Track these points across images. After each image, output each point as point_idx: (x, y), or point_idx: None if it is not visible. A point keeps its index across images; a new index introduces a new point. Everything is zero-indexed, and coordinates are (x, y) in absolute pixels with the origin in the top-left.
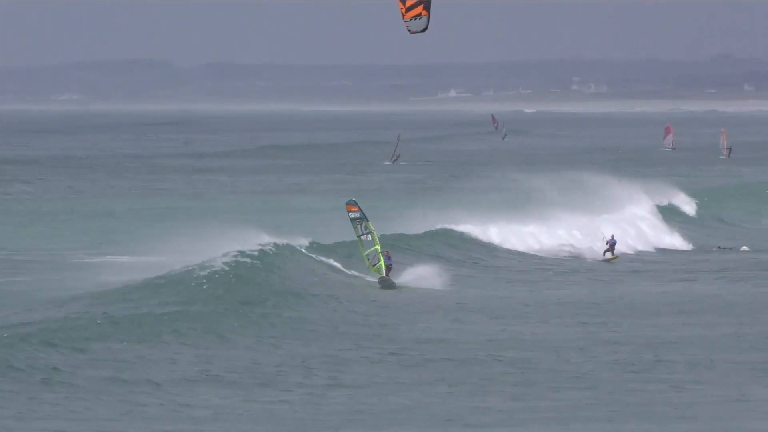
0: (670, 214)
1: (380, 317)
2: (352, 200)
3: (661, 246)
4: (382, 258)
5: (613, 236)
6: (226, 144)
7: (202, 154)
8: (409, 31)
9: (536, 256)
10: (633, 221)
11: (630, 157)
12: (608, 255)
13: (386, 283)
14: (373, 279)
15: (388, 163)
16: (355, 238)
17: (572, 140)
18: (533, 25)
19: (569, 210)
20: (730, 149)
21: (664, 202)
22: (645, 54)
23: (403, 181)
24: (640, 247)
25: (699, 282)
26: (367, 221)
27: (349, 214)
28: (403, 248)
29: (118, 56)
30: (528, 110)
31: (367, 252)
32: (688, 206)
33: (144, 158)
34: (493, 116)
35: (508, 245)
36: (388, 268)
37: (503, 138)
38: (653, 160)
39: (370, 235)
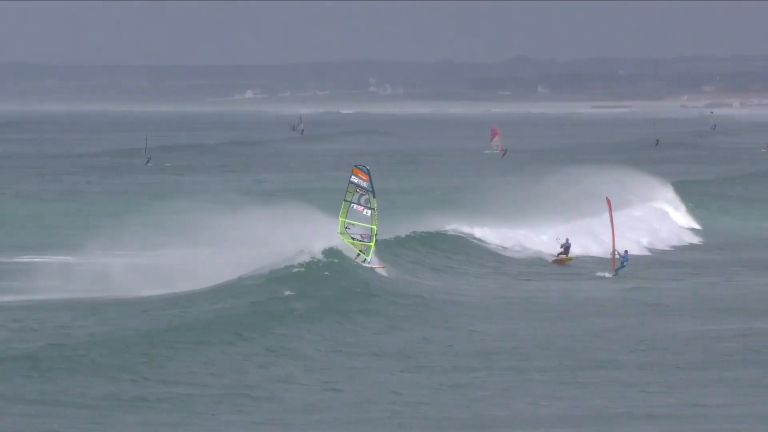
0: None
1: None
2: (365, 167)
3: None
4: (374, 241)
5: (567, 240)
6: None
7: None
8: None
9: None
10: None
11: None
12: (562, 256)
13: (368, 265)
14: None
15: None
16: (343, 200)
17: (409, 142)
18: (330, 26)
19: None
20: (505, 150)
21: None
22: (440, 56)
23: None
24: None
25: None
26: (373, 197)
27: (353, 177)
28: None
29: None
30: (345, 111)
31: (350, 221)
32: None
33: None
34: (299, 117)
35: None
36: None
37: (300, 133)
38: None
39: (369, 212)
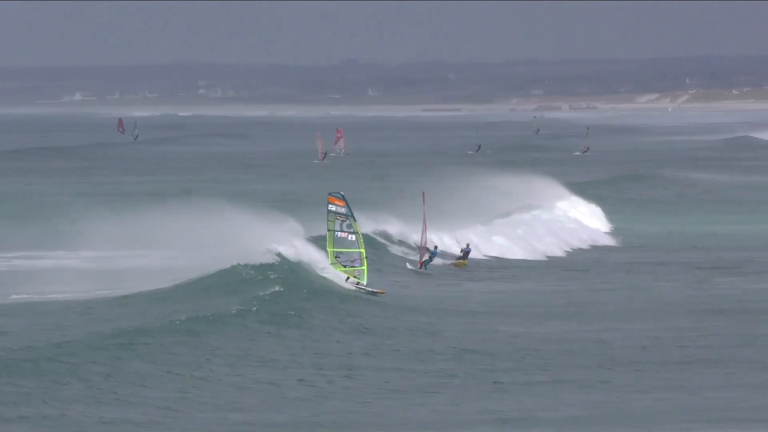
0: None
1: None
2: (339, 194)
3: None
4: (365, 263)
5: (468, 245)
6: None
7: None
8: None
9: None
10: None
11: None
12: (459, 261)
13: (365, 290)
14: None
15: None
16: (326, 231)
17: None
18: (156, 27)
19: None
20: (325, 154)
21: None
22: (270, 58)
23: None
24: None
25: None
26: (354, 221)
27: (330, 206)
28: None
29: None
30: (182, 114)
31: (338, 249)
32: None
33: None
34: (120, 119)
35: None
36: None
37: (135, 138)
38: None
39: (354, 236)
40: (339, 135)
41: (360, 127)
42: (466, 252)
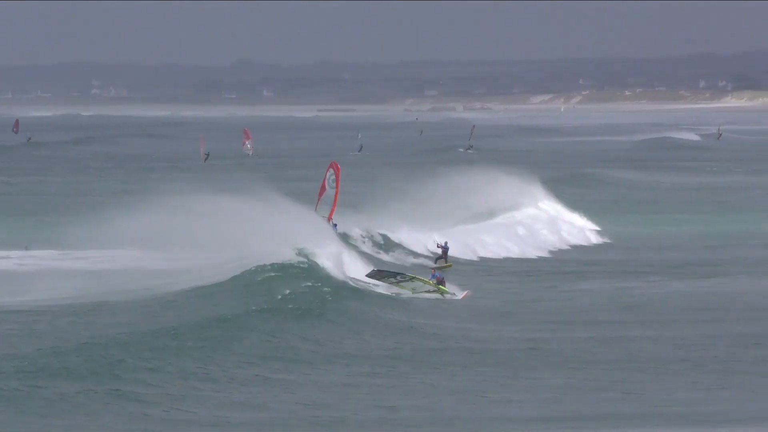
0: None
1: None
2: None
3: None
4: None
5: (446, 243)
6: None
7: None
8: None
9: None
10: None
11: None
12: (441, 262)
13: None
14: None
15: None
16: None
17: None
18: (47, 27)
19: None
20: (207, 155)
21: None
22: (164, 58)
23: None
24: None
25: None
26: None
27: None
28: None
29: None
30: (85, 113)
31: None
32: None
33: None
34: (16, 121)
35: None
36: None
37: (27, 140)
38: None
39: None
40: (246, 135)
41: (258, 128)
42: (444, 250)
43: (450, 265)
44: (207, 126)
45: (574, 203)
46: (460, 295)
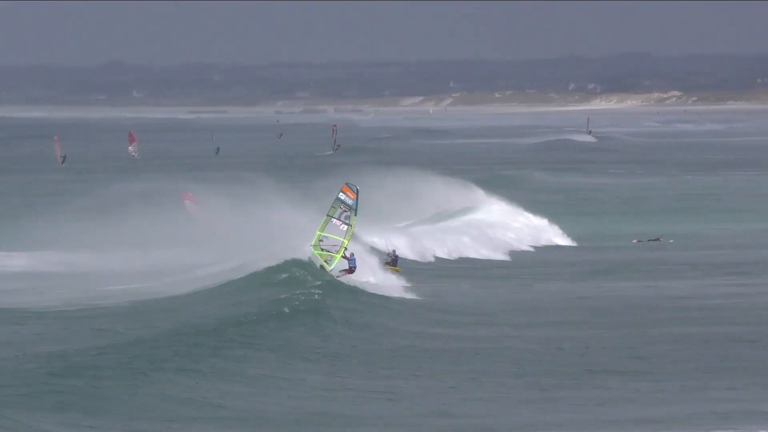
0: None
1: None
2: (354, 186)
3: None
4: (341, 253)
5: (394, 251)
6: None
7: None
8: None
9: None
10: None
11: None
12: (389, 268)
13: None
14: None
15: None
16: (324, 215)
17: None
18: None
19: None
20: (64, 157)
21: None
22: (31, 59)
23: None
24: None
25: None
26: (355, 216)
27: (341, 194)
28: None
29: None
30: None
31: (325, 234)
32: None
33: None
34: None
35: None
36: (350, 270)
37: None
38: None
39: (347, 228)
40: (131, 138)
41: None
42: (394, 258)
43: (399, 269)
44: (83, 128)
45: (522, 204)
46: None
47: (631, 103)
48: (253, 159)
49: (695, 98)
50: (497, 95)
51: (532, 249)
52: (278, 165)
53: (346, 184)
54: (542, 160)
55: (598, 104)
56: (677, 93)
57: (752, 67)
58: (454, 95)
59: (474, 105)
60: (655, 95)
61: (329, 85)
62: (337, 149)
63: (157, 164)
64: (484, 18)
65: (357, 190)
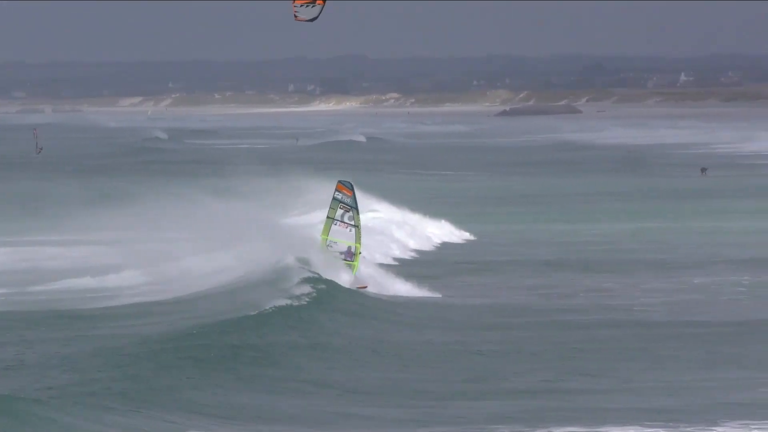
0: None
1: None
2: (348, 183)
3: None
4: (357, 259)
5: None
6: None
7: None
8: (294, 16)
9: None
10: None
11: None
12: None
13: (356, 282)
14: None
15: None
16: (325, 217)
17: None
18: None
19: None
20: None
21: None
22: None
23: None
24: None
25: None
26: (357, 213)
27: (337, 193)
28: None
29: None
30: None
31: (333, 239)
32: None
33: None
34: None
35: None
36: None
37: None
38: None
39: (353, 229)
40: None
41: None
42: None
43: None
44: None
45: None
46: (359, 285)
47: (350, 104)
48: None
49: (413, 100)
50: (217, 96)
51: (429, 248)
52: None
53: (340, 181)
54: (335, 160)
55: (317, 106)
56: (395, 95)
57: (468, 69)
58: (173, 96)
59: (194, 106)
60: (374, 97)
61: (46, 85)
62: (40, 152)
63: None
64: (201, 18)
65: (351, 185)
